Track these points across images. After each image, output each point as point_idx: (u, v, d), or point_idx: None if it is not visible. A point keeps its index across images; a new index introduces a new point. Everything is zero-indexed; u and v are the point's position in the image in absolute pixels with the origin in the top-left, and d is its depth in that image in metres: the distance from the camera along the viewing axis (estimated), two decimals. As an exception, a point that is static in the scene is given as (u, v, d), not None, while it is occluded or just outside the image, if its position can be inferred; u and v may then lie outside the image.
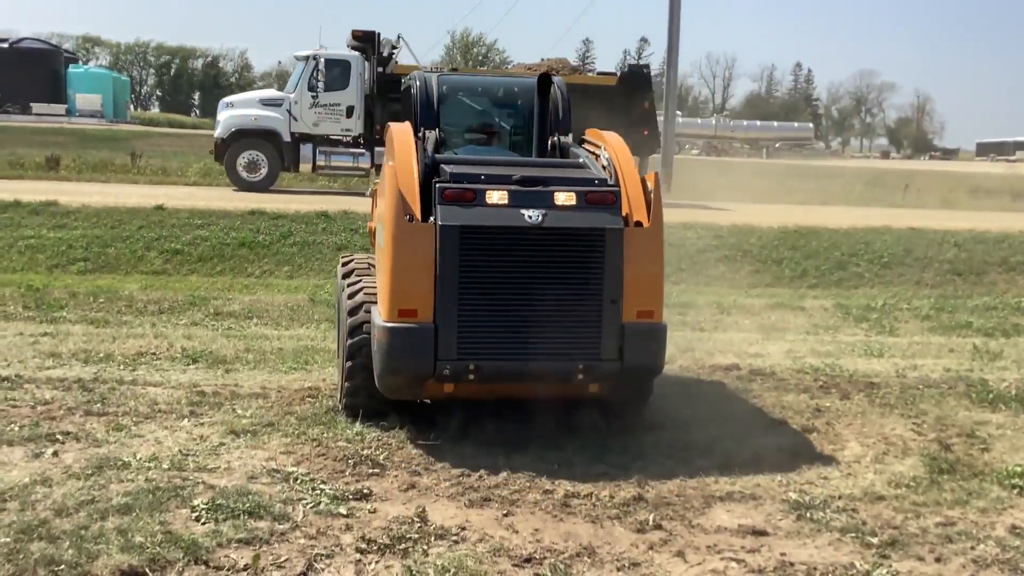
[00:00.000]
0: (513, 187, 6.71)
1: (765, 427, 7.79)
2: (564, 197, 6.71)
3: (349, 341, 7.16)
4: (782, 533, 5.64)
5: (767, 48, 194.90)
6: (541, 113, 8.36)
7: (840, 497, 6.20)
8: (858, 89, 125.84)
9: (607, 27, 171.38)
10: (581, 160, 7.57)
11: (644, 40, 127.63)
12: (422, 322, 6.50)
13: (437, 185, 6.65)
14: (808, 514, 5.89)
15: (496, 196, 6.64)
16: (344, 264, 8.26)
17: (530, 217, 6.58)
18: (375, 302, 7.02)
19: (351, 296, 7.38)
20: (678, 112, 43.25)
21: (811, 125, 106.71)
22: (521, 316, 6.60)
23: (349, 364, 7.16)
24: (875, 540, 5.53)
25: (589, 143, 7.93)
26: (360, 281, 7.54)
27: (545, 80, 8.29)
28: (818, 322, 12.93)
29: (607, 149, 7.41)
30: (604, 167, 7.25)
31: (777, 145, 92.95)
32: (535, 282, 6.61)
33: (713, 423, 7.80)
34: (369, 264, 7.97)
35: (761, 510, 5.98)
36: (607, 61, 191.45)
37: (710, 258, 17.73)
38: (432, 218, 6.56)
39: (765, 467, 6.72)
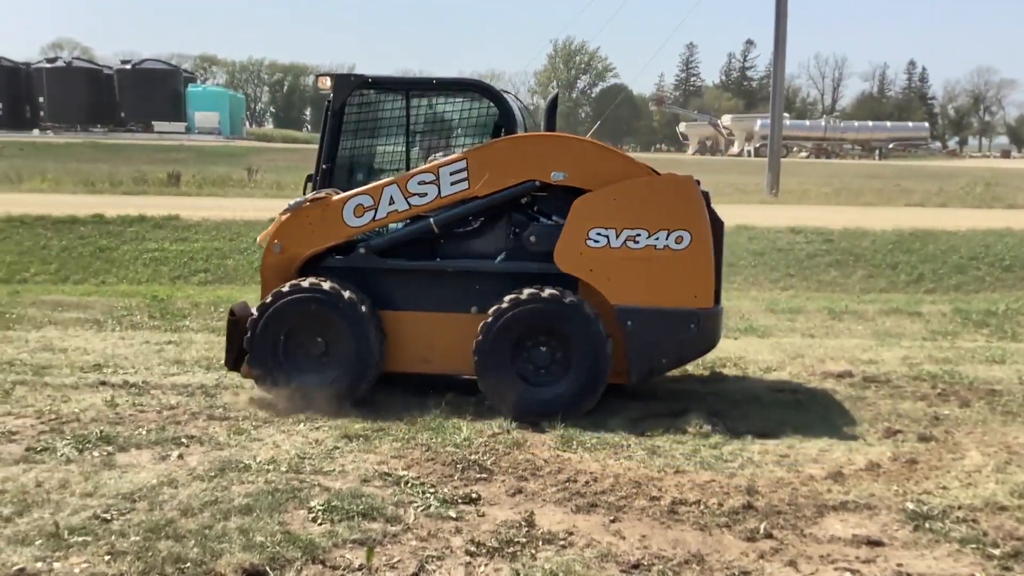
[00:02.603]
0: None
1: (880, 435, 7.59)
2: None
3: None
4: (899, 543, 5.50)
5: (879, 47, 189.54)
6: None
7: (960, 507, 6.00)
8: (976, 87, 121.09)
9: (711, 30, 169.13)
10: None
11: (750, 42, 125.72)
12: None
13: None
14: (926, 524, 5.72)
15: None
16: None
17: None
18: None
19: None
20: (785, 114, 42.44)
21: (926, 125, 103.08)
22: None
23: None
24: (997, 552, 5.34)
25: None
26: None
27: None
28: (936, 328, 12.53)
29: None
30: None
31: (891, 146, 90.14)
32: None
33: (825, 431, 7.66)
34: None
35: (876, 520, 5.84)
36: (711, 65, 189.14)
37: (820, 263, 17.36)
38: None
39: (880, 476, 6.56)
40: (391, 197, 7.96)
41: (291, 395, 7.85)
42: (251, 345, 8.01)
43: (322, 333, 7.99)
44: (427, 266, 8.20)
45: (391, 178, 8.08)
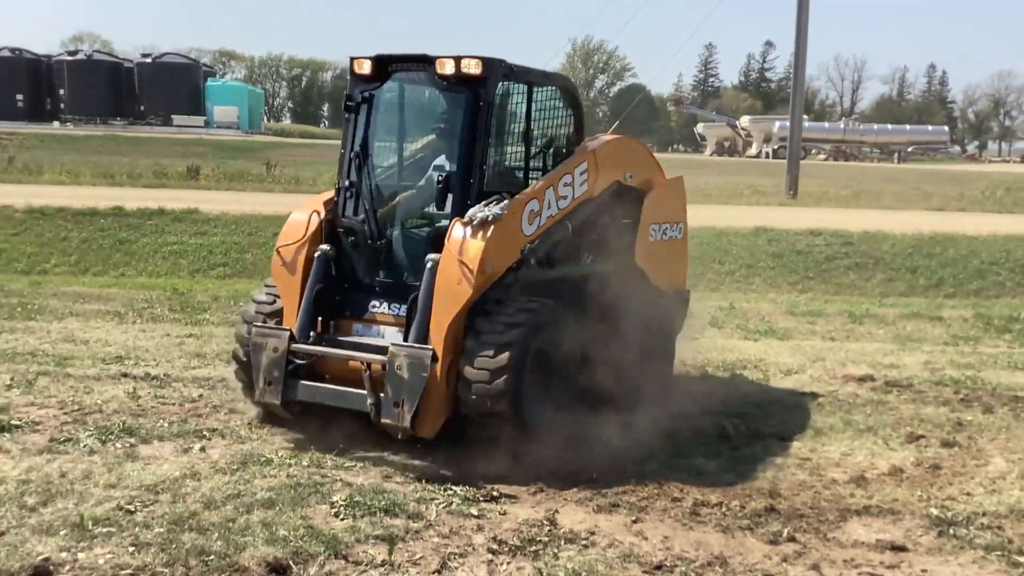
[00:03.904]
0: None
1: (903, 440, 7.55)
2: None
3: None
4: (923, 549, 5.47)
5: (898, 50, 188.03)
6: None
7: (984, 514, 5.96)
8: (996, 91, 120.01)
9: (731, 30, 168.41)
10: None
11: (769, 43, 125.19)
12: None
13: None
14: (950, 531, 5.69)
15: None
16: None
17: None
18: None
19: None
20: (804, 116, 42.26)
21: (946, 128, 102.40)
22: None
23: None
24: (1022, 559, 5.31)
25: None
26: None
27: None
28: (957, 332, 12.44)
29: None
30: None
31: (910, 149, 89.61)
32: None
33: (847, 435, 7.62)
34: None
35: (900, 525, 5.80)
36: (730, 66, 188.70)
37: (839, 266, 17.28)
38: None
39: (903, 481, 6.53)
40: (548, 201, 7.21)
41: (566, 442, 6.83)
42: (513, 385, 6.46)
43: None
44: (572, 272, 7.62)
45: (545, 180, 7.29)
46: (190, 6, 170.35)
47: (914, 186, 37.46)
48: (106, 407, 7.71)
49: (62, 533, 5.18)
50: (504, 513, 5.82)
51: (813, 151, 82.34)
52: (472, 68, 6.80)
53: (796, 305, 14.23)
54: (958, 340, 12.00)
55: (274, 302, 7.39)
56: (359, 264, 7.25)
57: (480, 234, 6.66)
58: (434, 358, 6.35)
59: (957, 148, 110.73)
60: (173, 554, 4.99)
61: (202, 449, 6.76)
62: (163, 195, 21.73)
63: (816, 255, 17.61)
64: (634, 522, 5.74)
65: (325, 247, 7.13)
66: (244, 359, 7.23)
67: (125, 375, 8.78)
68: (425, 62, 7.02)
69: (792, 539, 5.53)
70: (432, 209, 7.11)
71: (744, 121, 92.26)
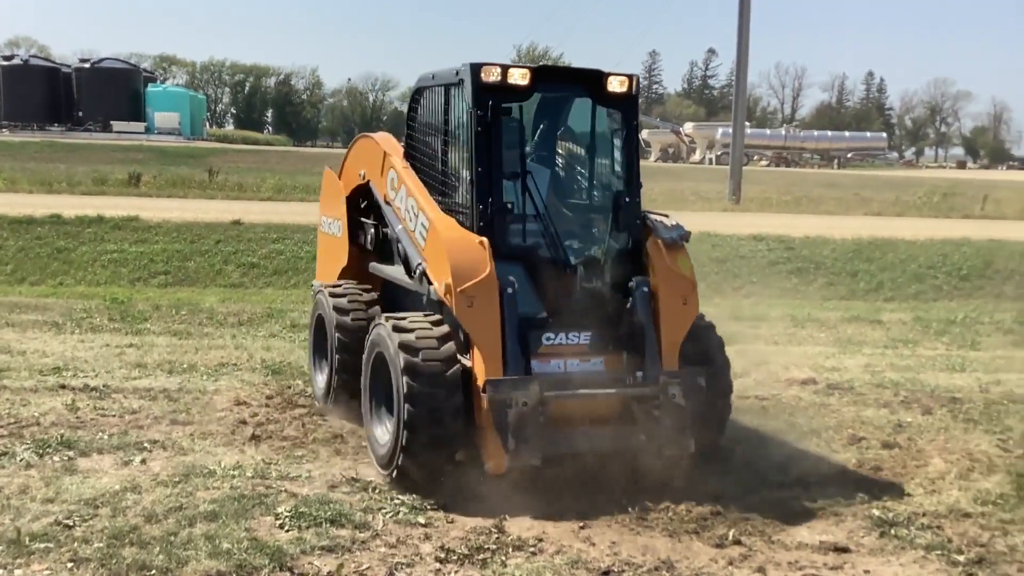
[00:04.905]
0: None
1: (845, 442, 7.66)
2: None
3: None
4: (865, 550, 5.55)
5: (838, 58, 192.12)
6: None
7: (924, 514, 6.08)
8: (932, 98, 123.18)
9: (675, 39, 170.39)
10: None
11: (712, 51, 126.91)
12: None
13: None
14: (892, 531, 5.79)
15: None
16: None
17: None
18: None
19: None
20: (747, 123, 42.85)
21: (884, 135, 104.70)
22: None
23: None
24: (961, 558, 5.42)
25: None
26: None
27: None
28: (896, 336, 12.69)
29: None
30: None
31: (849, 155, 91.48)
32: None
33: (790, 438, 7.72)
34: None
35: (843, 527, 5.89)
36: (674, 73, 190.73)
37: (782, 270, 17.54)
38: None
39: (846, 483, 6.63)
40: None
41: None
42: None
43: None
44: None
45: None
46: (130, 10, 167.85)
47: (853, 192, 38.21)
48: (43, 420, 7.53)
49: (-2, 550, 5.04)
50: (452, 521, 5.79)
51: (755, 157, 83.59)
52: (625, 87, 6.73)
53: (740, 309, 14.38)
54: (897, 343, 12.24)
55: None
56: (532, 293, 6.52)
57: (683, 251, 6.76)
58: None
59: (895, 154, 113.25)
60: (113, 569, 4.88)
61: (143, 461, 6.63)
62: (102, 202, 21.30)
63: (759, 260, 17.85)
64: (582, 528, 5.75)
65: (511, 279, 6.31)
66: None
67: (63, 387, 8.58)
68: (585, 76, 6.80)
69: (738, 542, 5.58)
70: (603, 229, 6.92)
71: (688, 128, 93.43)
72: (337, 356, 7.63)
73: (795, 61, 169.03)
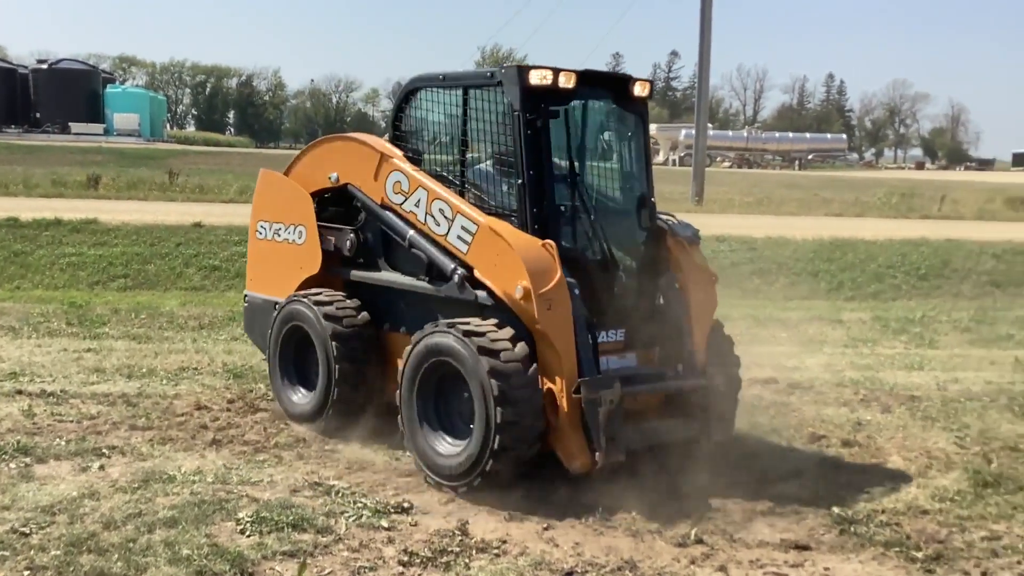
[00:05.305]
0: None
1: (805, 441, 7.75)
2: None
3: None
4: (825, 547, 5.61)
5: (799, 60, 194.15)
6: None
7: (883, 511, 6.16)
8: (891, 100, 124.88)
9: (638, 41, 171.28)
10: None
11: (674, 53, 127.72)
12: None
13: None
14: (851, 528, 5.85)
15: None
16: None
17: None
18: None
19: None
20: (709, 125, 43.16)
21: (844, 136, 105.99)
22: None
23: None
24: (920, 555, 5.49)
25: None
26: None
27: None
28: (856, 335, 12.84)
29: None
30: None
31: (810, 157, 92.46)
32: None
33: (752, 437, 7.78)
34: None
35: (803, 524, 5.95)
36: (637, 75, 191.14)
37: (744, 271, 17.65)
38: None
39: (807, 481, 6.69)
40: None
41: None
42: None
43: None
44: None
45: None
46: (88, 11, 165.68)
47: (814, 192, 38.61)
48: (-1, 426, 7.41)
49: (-50, 560, 4.95)
50: (415, 524, 5.77)
51: (718, 159, 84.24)
52: (646, 91, 7.15)
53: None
54: (857, 342, 12.39)
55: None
56: (579, 293, 6.49)
57: (699, 248, 7.24)
58: None
59: (855, 155, 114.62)
60: (70, 577, 4.81)
61: (101, 467, 6.54)
62: (60, 205, 20.96)
63: (722, 260, 17.94)
64: (545, 529, 5.76)
65: (572, 281, 6.39)
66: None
67: (20, 392, 8.44)
68: (615, 80, 7.19)
69: (700, 541, 5.62)
70: (631, 229, 7.14)
71: (651, 129, 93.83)
72: (338, 367, 7.27)
73: (757, 63, 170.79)
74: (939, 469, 7.08)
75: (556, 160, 6.85)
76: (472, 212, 6.71)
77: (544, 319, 6.19)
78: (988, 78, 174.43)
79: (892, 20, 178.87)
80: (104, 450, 6.90)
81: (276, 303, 8.00)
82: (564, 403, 6.14)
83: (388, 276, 7.48)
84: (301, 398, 7.80)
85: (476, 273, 6.59)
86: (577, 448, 6.15)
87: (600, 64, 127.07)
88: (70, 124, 69.64)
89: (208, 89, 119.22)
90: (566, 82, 6.62)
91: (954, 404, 9.05)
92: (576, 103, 7.04)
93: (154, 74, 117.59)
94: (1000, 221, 28.08)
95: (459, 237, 6.72)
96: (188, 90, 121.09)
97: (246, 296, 8.68)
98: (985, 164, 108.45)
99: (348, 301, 7.55)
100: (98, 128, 70.51)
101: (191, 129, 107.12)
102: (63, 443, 7.01)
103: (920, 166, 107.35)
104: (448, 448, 6.42)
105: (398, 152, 7.38)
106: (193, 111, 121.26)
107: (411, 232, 7.08)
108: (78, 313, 12.53)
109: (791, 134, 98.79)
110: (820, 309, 14.97)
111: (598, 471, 6.15)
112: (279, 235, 8.19)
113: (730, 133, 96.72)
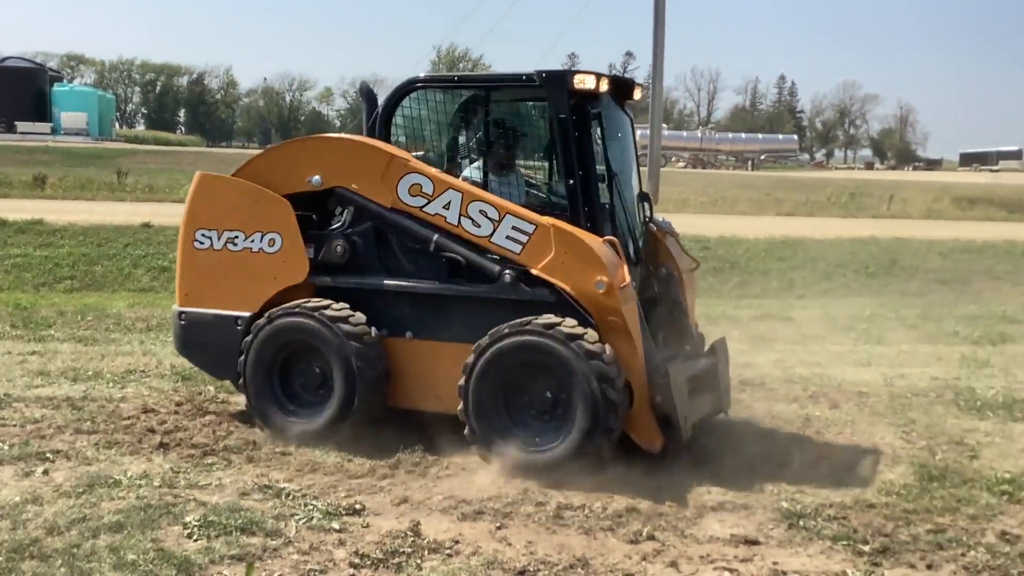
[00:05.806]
0: None
1: (756, 437, 7.81)
2: None
3: None
4: (774, 542, 5.67)
5: (751, 61, 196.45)
6: None
7: (831, 505, 6.23)
8: (841, 101, 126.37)
9: (593, 41, 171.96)
10: None
11: (629, 54, 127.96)
12: None
13: None
14: (800, 523, 5.91)
15: None
16: None
17: None
18: None
19: None
20: (664, 125, 43.49)
21: (795, 137, 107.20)
22: None
23: None
24: (867, 548, 5.56)
25: None
26: None
27: None
28: (806, 332, 12.99)
29: None
30: None
31: (762, 157, 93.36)
32: None
33: (704, 433, 7.80)
34: None
35: (753, 519, 6.00)
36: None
37: (698, 270, 17.76)
38: None
39: (756, 477, 6.75)
40: None
41: None
42: None
43: None
44: None
45: None
46: (35, 8, 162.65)
47: (766, 192, 39.08)
48: (-62, 431, 7.23)
49: None
50: (367, 526, 5.73)
51: (673, 159, 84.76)
52: (640, 94, 7.77)
53: (656, 309, 14.55)
54: (807, 339, 12.53)
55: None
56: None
57: (678, 238, 8.03)
58: None
59: (806, 156, 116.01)
60: (11, 585, 4.71)
61: (45, 472, 6.40)
62: (5, 205, 20.56)
63: (675, 260, 18.08)
64: (498, 528, 5.75)
65: None
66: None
67: (-40, 396, 8.25)
68: (628, 85, 7.70)
69: (651, 537, 5.65)
70: (637, 223, 7.67)
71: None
72: (360, 378, 6.96)
73: (710, 65, 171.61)
74: (886, 463, 7.18)
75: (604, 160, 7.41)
76: (527, 212, 6.84)
77: (625, 311, 6.59)
78: (936, 80, 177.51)
79: (842, 22, 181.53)
80: (48, 454, 6.76)
81: (237, 319, 7.43)
82: (640, 389, 6.65)
83: (396, 281, 7.24)
84: (301, 417, 7.26)
85: (535, 272, 6.75)
86: (649, 429, 6.72)
87: (555, 65, 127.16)
88: (16, 123, 68.22)
89: (158, 87, 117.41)
90: (606, 86, 7.05)
91: (901, 399, 9.19)
92: (603, 107, 7.36)
93: (103, 72, 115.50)
94: (947, 220, 28.66)
95: (509, 238, 6.80)
96: (138, 88, 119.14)
97: (181, 314, 7.76)
98: (933, 164, 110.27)
99: (356, 312, 7.15)
100: (45, 127, 69.14)
101: (141, 128, 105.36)
102: (6, 447, 6.87)
103: (870, 166, 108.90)
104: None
105: (406, 153, 7.24)
106: (143, 110, 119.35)
107: (437, 235, 6.98)
108: (23, 315, 12.29)
109: (744, 135, 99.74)
110: (771, 307, 15.14)
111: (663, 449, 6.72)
112: (234, 244, 7.53)
113: (684, 134, 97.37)
